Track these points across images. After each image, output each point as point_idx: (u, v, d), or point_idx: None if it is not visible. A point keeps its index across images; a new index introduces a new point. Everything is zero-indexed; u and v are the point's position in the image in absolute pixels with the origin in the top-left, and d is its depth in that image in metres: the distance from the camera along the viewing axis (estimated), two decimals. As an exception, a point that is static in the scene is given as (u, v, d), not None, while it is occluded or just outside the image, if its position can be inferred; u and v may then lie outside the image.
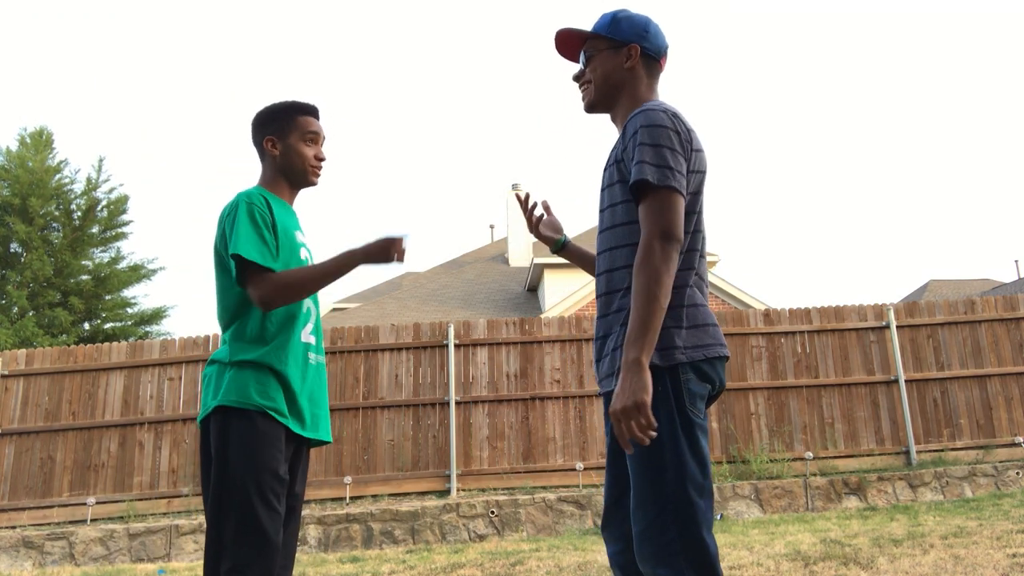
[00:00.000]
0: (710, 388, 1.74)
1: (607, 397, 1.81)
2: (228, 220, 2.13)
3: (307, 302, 2.21)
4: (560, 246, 2.23)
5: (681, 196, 1.68)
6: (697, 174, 1.76)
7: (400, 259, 2.13)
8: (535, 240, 20.21)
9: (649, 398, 1.57)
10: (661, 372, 1.67)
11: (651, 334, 1.60)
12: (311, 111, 2.30)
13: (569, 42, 1.98)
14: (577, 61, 2.00)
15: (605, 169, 1.88)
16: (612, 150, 1.87)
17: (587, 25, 1.98)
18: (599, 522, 2.05)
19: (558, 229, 2.25)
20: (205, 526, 2.06)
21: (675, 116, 1.76)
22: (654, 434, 1.58)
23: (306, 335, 2.19)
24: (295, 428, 2.11)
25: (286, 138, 2.26)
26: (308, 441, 2.20)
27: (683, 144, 1.73)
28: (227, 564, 1.94)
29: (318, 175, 2.30)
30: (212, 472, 2.02)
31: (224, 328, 2.15)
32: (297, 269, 2.10)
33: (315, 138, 2.28)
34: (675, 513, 1.62)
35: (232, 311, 2.14)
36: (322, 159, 2.29)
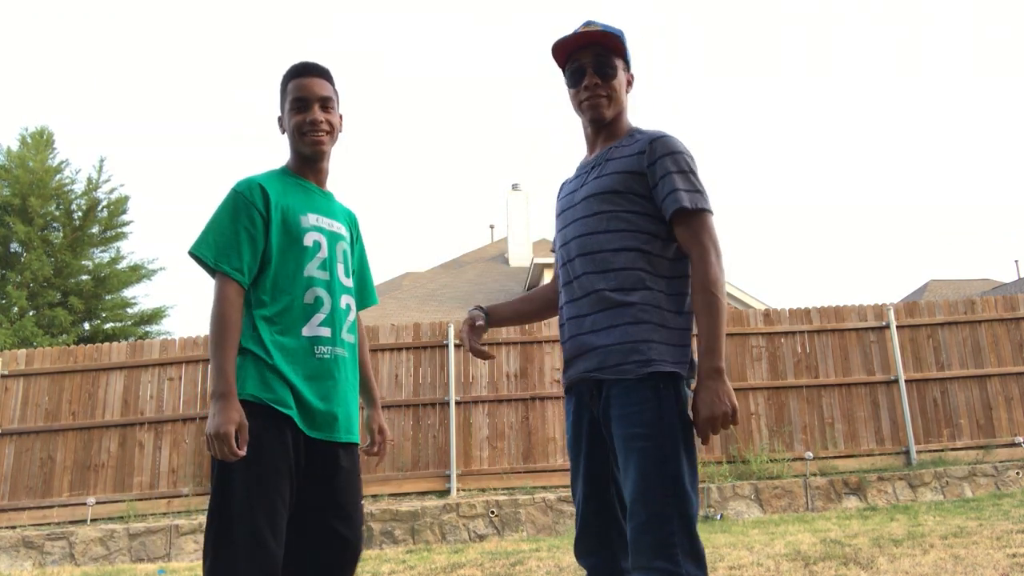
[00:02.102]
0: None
1: (575, 391, 1.92)
2: (216, 209, 2.04)
3: (318, 291, 2.04)
4: (486, 325, 2.14)
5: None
6: None
7: (211, 451, 1.87)
8: (535, 240, 20.26)
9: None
10: (677, 378, 1.82)
11: (723, 344, 1.77)
12: (299, 72, 2.11)
13: (581, 42, 1.96)
14: (561, 65, 2.02)
15: (607, 175, 1.92)
16: (611, 159, 1.93)
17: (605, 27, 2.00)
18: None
19: (480, 327, 2.13)
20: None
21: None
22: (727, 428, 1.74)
23: (312, 328, 2.02)
24: (301, 424, 1.97)
25: (283, 111, 2.14)
26: (328, 443, 2.03)
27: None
28: (215, 560, 1.86)
29: (314, 139, 2.08)
30: (213, 467, 1.93)
31: None
32: (229, 316, 1.92)
33: (303, 103, 2.08)
34: (677, 507, 1.71)
35: None
36: (315, 120, 2.07)
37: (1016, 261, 25.61)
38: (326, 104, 2.11)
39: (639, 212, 1.87)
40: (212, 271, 1.97)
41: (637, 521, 1.72)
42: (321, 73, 2.14)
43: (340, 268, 2.12)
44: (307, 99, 2.08)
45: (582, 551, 1.91)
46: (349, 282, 2.16)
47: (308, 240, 2.05)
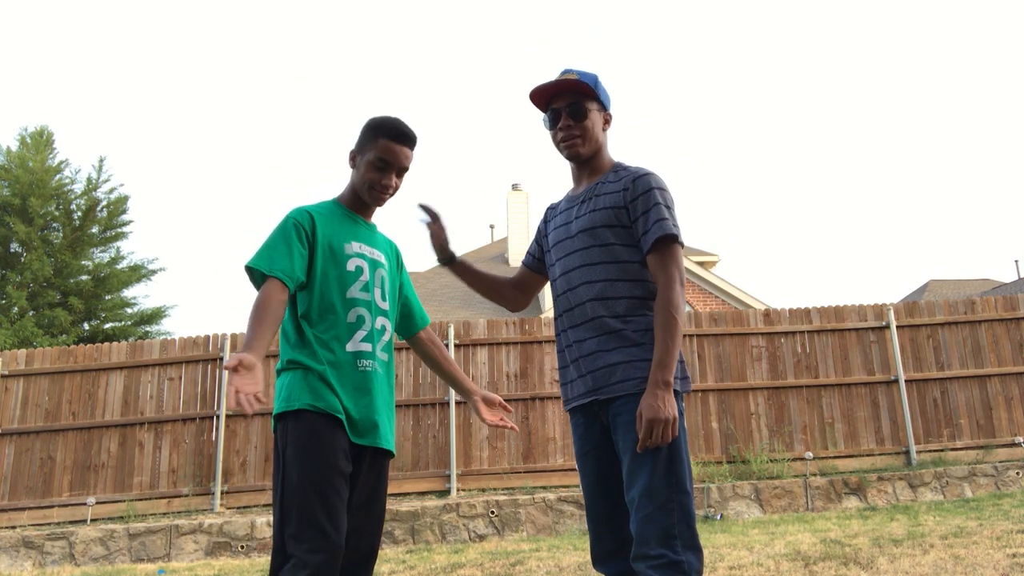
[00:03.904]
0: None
1: (582, 409, 2.10)
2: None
3: (360, 310, 2.23)
4: (448, 260, 2.42)
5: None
6: None
7: (234, 402, 1.93)
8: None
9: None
10: (679, 395, 2.02)
11: (675, 361, 1.95)
12: (396, 136, 2.28)
13: (558, 89, 2.17)
14: (542, 108, 2.23)
15: (597, 210, 2.11)
16: (599, 195, 2.13)
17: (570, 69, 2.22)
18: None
19: (446, 246, 2.42)
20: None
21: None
22: (668, 440, 1.91)
23: (356, 344, 2.20)
24: (348, 431, 2.14)
25: (362, 156, 2.31)
26: (367, 450, 2.20)
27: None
28: (290, 561, 2.00)
29: (380, 200, 2.32)
30: (276, 474, 2.10)
31: (280, 332, 2.24)
32: (268, 305, 2.05)
33: (385, 165, 2.27)
34: (679, 502, 1.90)
35: (286, 316, 2.23)
36: (387, 185, 2.29)
37: (1016, 261, 25.62)
38: (402, 173, 2.33)
39: (628, 244, 2.07)
40: (263, 279, 2.13)
41: (643, 513, 1.89)
42: (413, 144, 2.32)
43: (378, 292, 2.31)
44: (391, 164, 2.28)
45: (599, 557, 2.07)
46: (385, 305, 2.34)
47: (351, 265, 2.25)
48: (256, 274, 2.15)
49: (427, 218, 2.45)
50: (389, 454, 2.28)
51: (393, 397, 2.34)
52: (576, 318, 2.10)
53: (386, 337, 2.31)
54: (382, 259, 2.37)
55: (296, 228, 2.19)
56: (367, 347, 2.22)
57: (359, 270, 2.26)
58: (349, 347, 2.19)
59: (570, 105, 2.15)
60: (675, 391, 1.98)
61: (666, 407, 1.89)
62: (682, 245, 2.06)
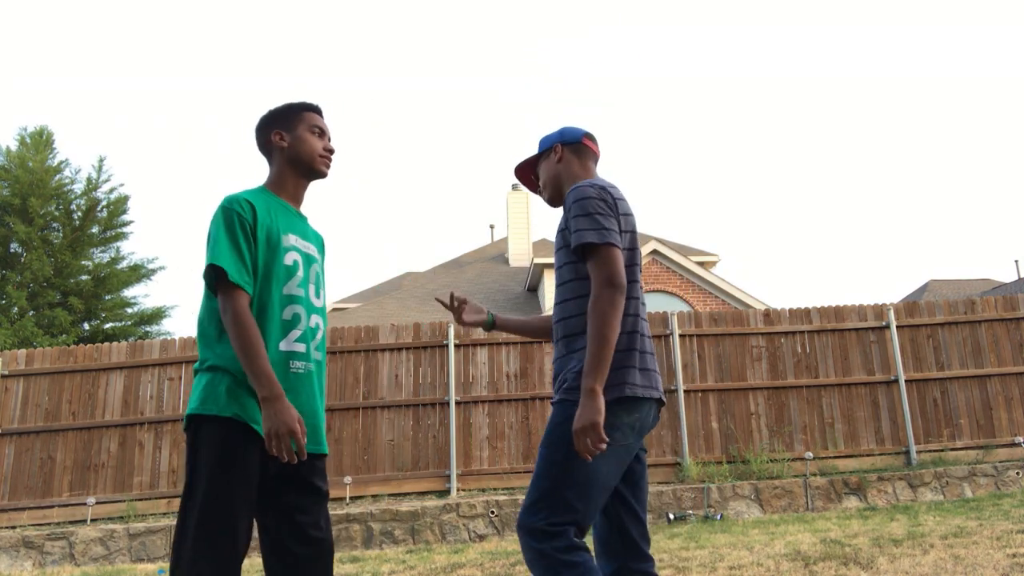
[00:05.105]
0: (639, 423, 2.05)
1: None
2: (211, 225, 2.11)
3: (296, 307, 2.14)
4: (490, 324, 2.52)
5: (618, 249, 2.03)
6: (627, 233, 2.12)
7: (274, 450, 1.94)
8: (536, 240, 20.25)
9: (602, 420, 1.89)
10: (626, 401, 2.00)
11: (604, 367, 1.94)
12: (315, 108, 2.34)
13: (526, 173, 2.48)
14: (533, 186, 2.48)
15: (558, 231, 2.20)
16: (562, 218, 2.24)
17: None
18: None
19: (481, 311, 2.54)
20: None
21: (602, 188, 2.11)
22: (604, 447, 1.90)
23: (289, 343, 2.11)
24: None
25: (294, 130, 2.27)
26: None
27: (610, 209, 2.08)
28: (183, 569, 1.92)
29: (328, 166, 2.32)
30: (187, 478, 2.00)
31: (199, 330, 2.12)
32: (252, 325, 1.99)
33: (321, 132, 2.30)
34: (549, 499, 1.94)
35: (205, 314, 2.11)
36: (332, 149, 2.32)
37: (1016, 261, 25.58)
38: (331, 140, 2.36)
39: (576, 262, 2.11)
40: (224, 284, 2.03)
41: (529, 501, 1.98)
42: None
43: (312, 288, 2.23)
44: (325, 131, 2.32)
45: (596, 554, 2.11)
46: (319, 302, 2.26)
47: (288, 259, 2.16)
48: (215, 271, 2.03)
49: (450, 306, 2.54)
50: (324, 455, 2.21)
51: (323, 399, 2.25)
52: (553, 336, 2.22)
53: (319, 336, 2.23)
54: (315, 253, 2.29)
55: (241, 222, 2.08)
56: (301, 347, 2.13)
57: (296, 264, 2.17)
58: (282, 346, 2.09)
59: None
60: (630, 397, 2.00)
61: (586, 415, 1.89)
62: (612, 246, 2.01)
